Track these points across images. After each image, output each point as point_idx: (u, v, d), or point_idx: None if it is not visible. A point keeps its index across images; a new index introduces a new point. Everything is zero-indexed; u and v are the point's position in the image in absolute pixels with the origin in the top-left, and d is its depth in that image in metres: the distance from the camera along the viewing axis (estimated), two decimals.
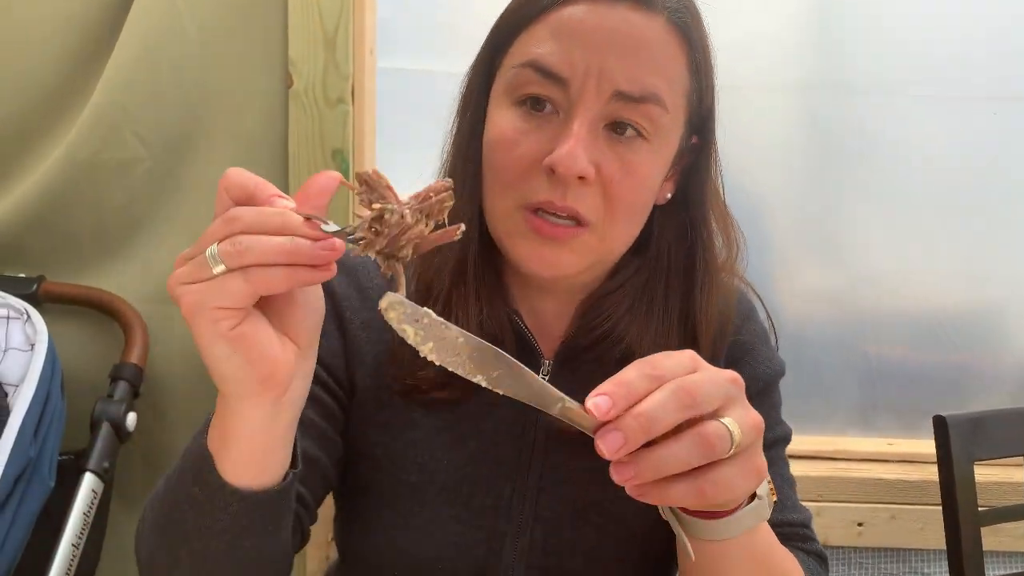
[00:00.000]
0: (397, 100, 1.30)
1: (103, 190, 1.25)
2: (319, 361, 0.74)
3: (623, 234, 0.69)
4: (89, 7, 1.20)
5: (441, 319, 0.49)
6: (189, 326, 0.48)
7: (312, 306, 0.53)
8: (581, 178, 0.64)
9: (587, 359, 0.73)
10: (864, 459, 1.39)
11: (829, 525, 1.32)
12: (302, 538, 0.73)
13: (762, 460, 0.51)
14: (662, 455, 0.47)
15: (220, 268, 0.46)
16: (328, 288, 0.77)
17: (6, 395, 1.05)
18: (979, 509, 1.11)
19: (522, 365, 0.50)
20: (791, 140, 1.41)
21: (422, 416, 0.73)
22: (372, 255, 0.49)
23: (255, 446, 0.53)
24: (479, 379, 0.49)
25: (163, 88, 1.23)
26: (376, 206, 0.47)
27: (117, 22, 1.21)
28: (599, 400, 0.47)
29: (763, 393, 0.78)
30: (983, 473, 1.14)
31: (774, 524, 0.74)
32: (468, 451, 0.73)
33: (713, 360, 0.70)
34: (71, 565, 1.04)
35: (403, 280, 0.50)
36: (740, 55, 1.35)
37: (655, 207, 0.72)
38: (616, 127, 0.66)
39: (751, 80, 1.37)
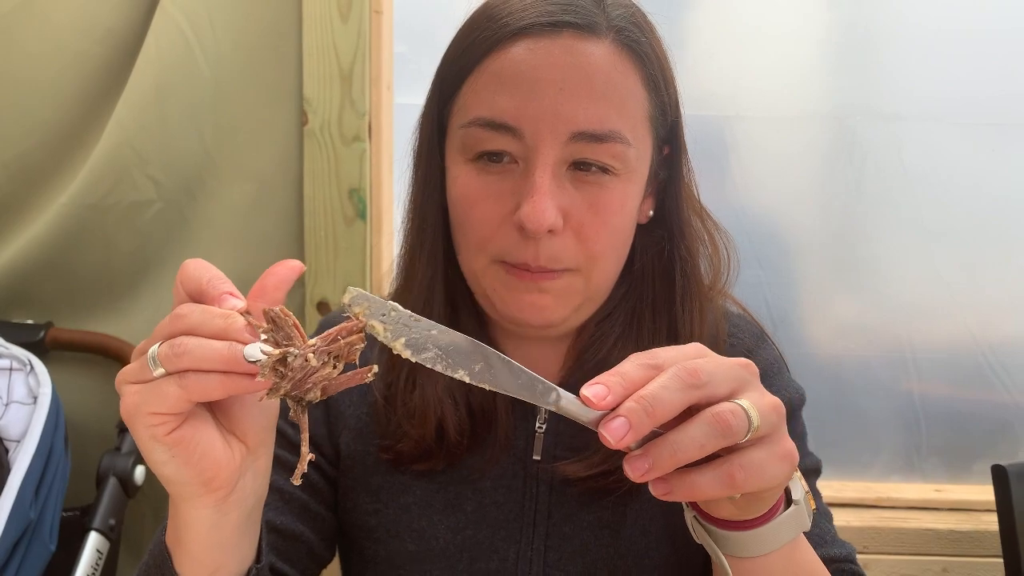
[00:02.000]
0: None
1: (113, 233, 1.21)
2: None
3: (607, 272, 0.66)
4: (100, 46, 1.18)
5: (409, 311, 0.47)
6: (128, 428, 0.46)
7: (262, 406, 0.51)
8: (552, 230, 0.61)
9: None
10: (911, 507, 1.31)
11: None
12: None
13: (790, 444, 0.48)
14: (675, 438, 0.44)
15: (159, 371, 0.44)
16: None
17: (7, 451, 1.00)
18: None
19: (506, 356, 0.46)
20: (825, 170, 1.36)
21: (414, 479, 0.69)
22: (277, 398, 0.46)
23: (205, 545, 0.51)
24: (461, 375, 0.46)
25: (175, 128, 1.20)
26: (278, 350, 0.45)
27: (129, 61, 1.18)
28: (595, 388, 0.45)
29: (787, 422, 0.71)
30: None
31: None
32: (466, 513, 0.68)
33: None
34: None
35: (307, 428, 0.48)
36: (770, 84, 1.31)
37: (637, 227, 0.68)
38: (580, 165, 0.62)
39: (782, 109, 1.32)
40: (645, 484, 0.65)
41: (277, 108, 1.21)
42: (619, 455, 0.64)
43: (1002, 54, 1.30)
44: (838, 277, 1.40)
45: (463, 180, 0.64)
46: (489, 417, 0.68)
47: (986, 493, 1.07)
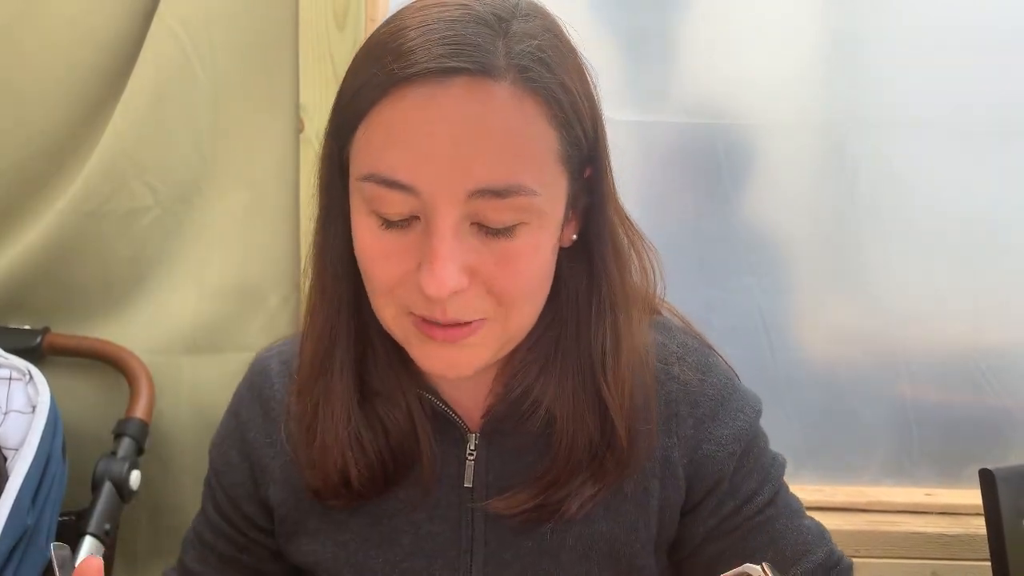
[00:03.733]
0: None
1: (110, 240, 1.22)
2: (225, 497, 0.74)
3: (526, 314, 0.63)
4: (97, 54, 1.18)
5: None
6: None
7: None
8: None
9: (512, 429, 0.68)
10: (902, 511, 1.32)
11: None
12: None
13: None
14: None
15: None
16: (233, 409, 0.75)
17: (5, 459, 1.00)
18: None
19: None
20: (816, 177, 1.37)
21: (348, 516, 0.69)
22: None
23: None
24: None
25: (172, 135, 1.20)
26: None
27: (125, 70, 1.18)
28: None
29: (749, 448, 0.71)
30: None
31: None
32: (403, 546, 0.69)
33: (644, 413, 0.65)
34: None
35: None
36: (761, 92, 1.32)
37: (561, 250, 0.64)
38: (485, 222, 0.58)
39: (773, 118, 1.33)
40: (583, 510, 0.66)
41: (273, 115, 1.22)
42: (548, 491, 0.65)
43: (994, 63, 1.31)
44: (830, 284, 1.41)
45: (365, 233, 0.60)
46: (412, 451, 0.68)
47: (976, 497, 1.08)
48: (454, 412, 0.69)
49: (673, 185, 1.35)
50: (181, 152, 1.21)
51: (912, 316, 1.37)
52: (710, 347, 0.74)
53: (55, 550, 0.50)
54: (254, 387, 0.74)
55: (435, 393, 0.69)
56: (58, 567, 0.48)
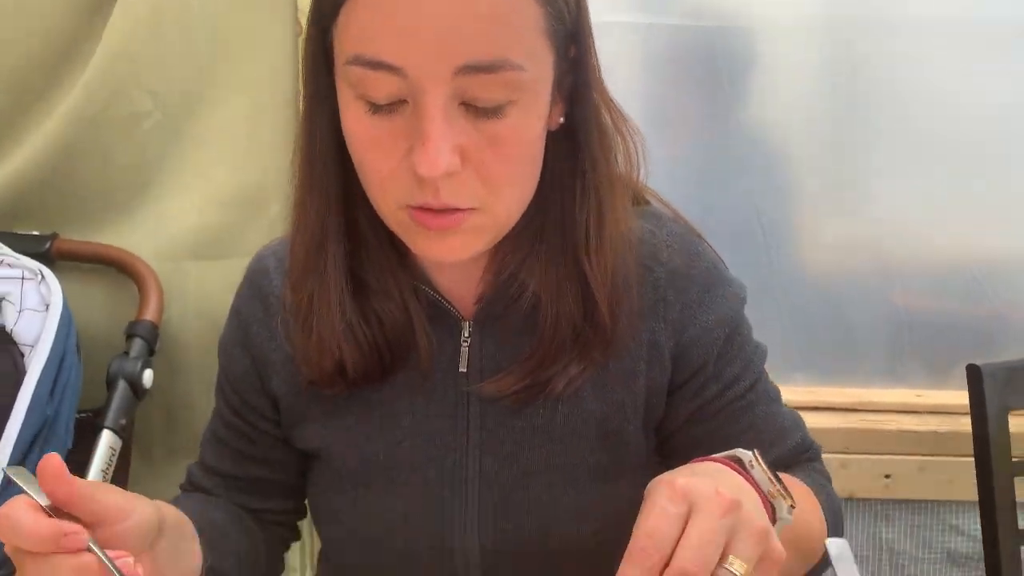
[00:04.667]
0: None
1: (111, 145, 1.23)
2: (233, 391, 0.77)
3: (516, 200, 0.64)
4: None
5: None
6: None
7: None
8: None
9: (503, 315, 0.70)
10: (892, 411, 1.36)
11: (856, 477, 1.30)
12: (287, 541, 0.82)
13: (779, 549, 0.50)
14: None
15: None
16: (235, 307, 0.77)
17: (22, 356, 1.04)
18: (1013, 460, 1.08)
19: None
20: (818, 81, 1.36)
21: (348, 402, 0.72)
22: None
23: None
24: None
25: (170, 40, 1.20)
26: None
27: None
28: None
29: (733, 334, 0.73)
30: (1018, 423, 1.11)
31: (773, 460, 0.70)
32: (403, 429, 0.71)
33: (624, 294, 0.67)
34: None
35: None
36: None
37: (548, 133, 0.65)
38: (473, 102, 0.58)
39: (776, 21, 1.32)
40: (577, 390, 0.69)
41: (273, 19, 1.21)
42: (536, 372, 0.68)
43: None
44: (829, 189, 1.41)
45: (353, 118, 0.60)
46: (407, 341, 0.70)
47: (964, 397, 1.11)
48: (448, 302, 0.71)
49: (672, 88, 1.35)
50: (180, 58, 1.21)
51: (910, 223, 1.39)
52: (698, 235, 0.75)
53: (15, 475, 0.53)
54: (253, 284, 0.76)
55: (429, 284, 0.70)
56: (25, 485, 0.51)
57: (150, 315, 1.19)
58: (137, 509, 0.55)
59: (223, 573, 0.71)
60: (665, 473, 0.52)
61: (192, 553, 0.66)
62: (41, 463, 0.51)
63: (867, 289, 1.40)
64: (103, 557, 0.51)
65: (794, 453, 0.75)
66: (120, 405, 1.11)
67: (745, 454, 0.56)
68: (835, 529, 0.73)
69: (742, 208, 1.37)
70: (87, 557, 0.50)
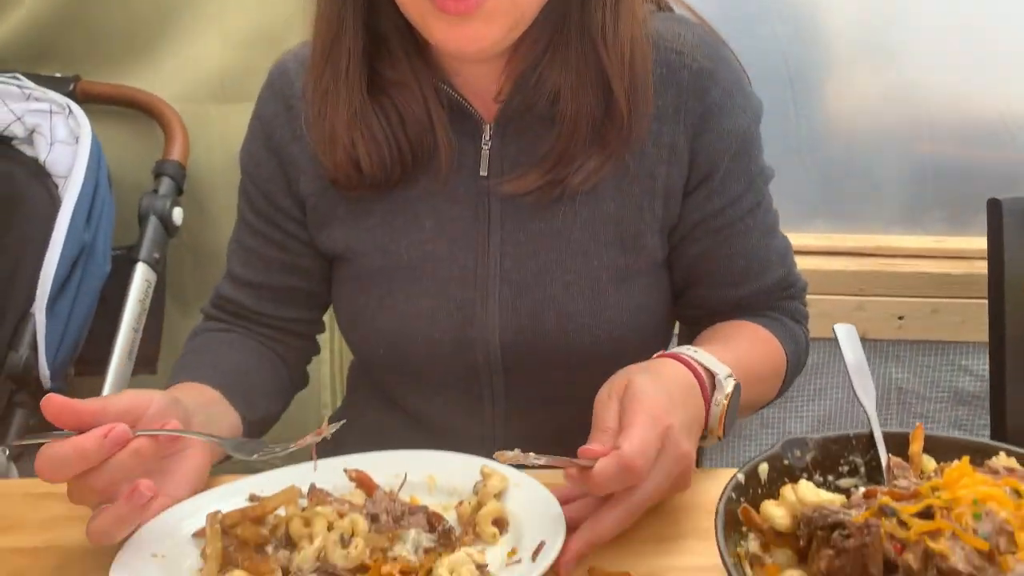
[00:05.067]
0: None
1: None
2: (261, 195, 0.77)
3: None
4: None
5: None
6: None
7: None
8: None
9: (523, 115, 0.71)
10: (910, 255, 1.37)
11: (869, 319, 1.33)
12: (308, 354, 0.85)
13: (686, 463, 0.57)
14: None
15: None
16: (257, 113, 0.78)
17: (56, 187, 1.07)
18: None
19: None
20: None
21: (372, 204, 0.74)
22: None
23: None
24: None
25: None
26: None
27: None
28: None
29: (744, 149, 0.74)
30: None
31: (751, 292, 0.76)
32: (425, 229, 0.74)
33: (641, 93, 0.68)
34: (133, 347, 1.09)
35: None
36: None
37: None
38: None
39: None
40: (597, 189, 0.71)
41: None
42: (555, 168, 0.69)
43: None
44: (859, 37, 1.38)
45: None
46: (428, 142, 0.71)
47: (982, 243, 1.11)
48: (468, 103, 0.72)
49: None
50: None
51: (938, 74, 1.36)
52: (724, 42, 0.75)
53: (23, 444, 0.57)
54: (274, 87, 0.77)
55: (450, 84, 0.71)
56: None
57: (176, 155, 1.21)
58: (154, 398, 0.58)
59: (261, 418, 0.75)
60: (654, 386, 0.57)
61: (227, 415, 0.70)
62: (43, 404, 0.53)
63: (893, 138, 1.39)
64: (151, 433, 0.53)
65: (777, 288, 0.78)
66: (152, 240, 1.15)
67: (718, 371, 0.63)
68: (796, 367, 0.79)
69: (769, 51, 1.34)
70: (137, 441, 0.53)
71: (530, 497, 0.58)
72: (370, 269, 0.75)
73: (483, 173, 0.72)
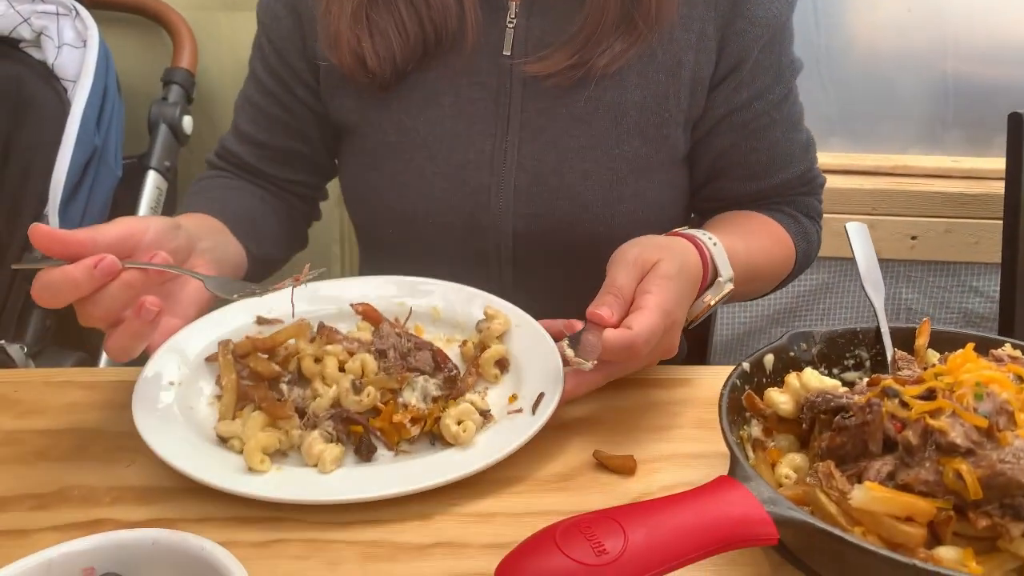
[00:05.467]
0: None
1: None
2: (274, 52, 0.76)
3: None
4: None
5: None
6: None
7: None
8: None
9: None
10: (925, 175, 1.36)
11: (882, 238, 1.32)
12: (309, 218, 0.84)
13: (670, 344, 0.59)
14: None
15: None
16: None
17: (66, 91, 1.06)
18: None
19: None
20: None
21: (392, 77, 0.72)
22: None
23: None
24: None
25: None
26: None
27: None
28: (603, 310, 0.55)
29: (775, 39, 0.72)
30: None
31: (771, 186, 0.76)
32: (443, 108, 0.72)
33: None
34: None
35: None
36: None
37: None
38: None
39: None
40: (622, 75, 0.69)
41: None
42: (582, 49, 0.68)
43: None
44: None
45: None
46: (452, 23, 0.69)
47: (1001, 163, 1.09)
48: None
49: None
50: None
51: None
52: None
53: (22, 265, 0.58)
54: None
55: None
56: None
57: (185, 63, 1.20)
58: (151, 225, 0.57)
59: (264, 255, 0.76)
60: (666, 261, 0.58)
61: (233, 244, 0.71)
62: (30, 232, 0.52)
63: (915, 56, 1.36)
64: (140, 266, 0.53)
65: (797, 182, 0.77)
66: (163, 147, 1.15)
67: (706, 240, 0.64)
68: (803, 265, 0.79)
69: None
70: (127, 274, 0.52)
71: (531, 341, 0.60)
72: (383, 144, 0.74)
73: (506, 53, 0.71)
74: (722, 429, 0.47)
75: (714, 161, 0.76)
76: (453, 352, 0.61)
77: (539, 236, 0.73)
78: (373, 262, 0.84)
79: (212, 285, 0.57)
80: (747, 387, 0.52)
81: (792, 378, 0.51)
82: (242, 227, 0.73)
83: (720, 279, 0.63)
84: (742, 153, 0.75)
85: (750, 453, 0.50)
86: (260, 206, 0.79)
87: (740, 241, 0.67)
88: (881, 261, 1.35)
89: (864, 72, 1.38)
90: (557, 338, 0.59)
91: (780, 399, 0.50)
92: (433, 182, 0.73)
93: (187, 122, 1.18)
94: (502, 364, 0.60)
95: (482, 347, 0.60)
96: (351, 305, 0.62)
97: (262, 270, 0.77)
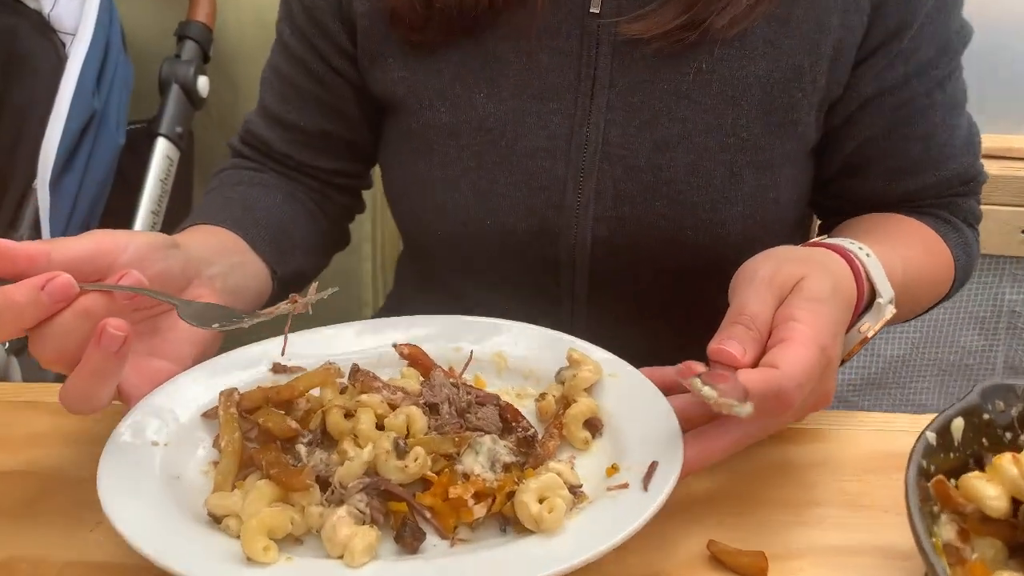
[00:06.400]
0: None
1: None
2: (304, 12, 0.62)
3: None
4: None
5: None
6: None
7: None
8: None
9: None
10: None
11: (987, 231, 1.14)
12: (351, 211, 0.71)
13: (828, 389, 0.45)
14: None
15: None
16: None
17: (64, 45, 0.93)
18: None
19: None
20: None
21: (445, 38, 0.58)
22: None
23: None
24: None
25: None
26: None
27: None
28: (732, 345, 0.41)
29: (943, 3, 0.58)
30: None
31: (923, 186, 0.61)
32: (509, 80, 0.58)
33: None
34: (154, 231, 0.97)
35: None
36: None
37: None
38: None
39: None
40: (745, 40, 0.55)
41: None
42: (703, 4, 0.53)
43: None
44: None
45: None
46: None
47: None
48: None
49: None
50: None
51: None
52: None
53: None
54: None
55: None
56: None
57: (201, 15, 1.07)
58: (132, 241, 0.45)
59: (293, 274, 0.62)
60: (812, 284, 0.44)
61: (252, 265, 0.58)
62: None
63: None
64: (100, 288, 0.41)
65: (956, 180, 0.62)
66: (175, 112, 1.02)
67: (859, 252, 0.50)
68: (960, 284, 0.64)
69: None
70: (86, 298, 0.40)
71: (632, 394, 0.45)
72: (433, 126, 0.59)
73: (594, 10, 0.56)
74: (918, 542, 0.33)
75: (852, 153, 0.60)
76: (527, 409, 0.47)
77: (625, 244, 0.58)
78: (414, 272, 0.70)
79: (186, 313, 0.44)
80: (932, 467, 0.38)
81: (1006, 462, 0.36)
82: (268, 240, 0.60)
83: (879, 300, 0.49)
84: (891, 144, 0.59)
85: (944, 568, 0.36)
86: (292, 208, 0.65)
87: (893, 253, 0.52)
88: (984, 256, 1.20)
89: (986, 42, 1.21)
90: (666, 391, 0.45)
91: (988, 492, 0.36)
92: (493, 176, 0.58)
93: (202, 83, 1.05)
94: (593, 425, 0.45)
95: (566, 403, 0.46)
96: (394, 346, 0.49)
97: (290, 289, 0.64)
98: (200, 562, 0.36)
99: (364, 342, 0.51)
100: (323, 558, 0.38)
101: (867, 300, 0.49)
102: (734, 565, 0.40)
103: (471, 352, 0.50)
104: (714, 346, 0.41)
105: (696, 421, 0.43)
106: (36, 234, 0.86)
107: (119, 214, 1.00)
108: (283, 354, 0.48)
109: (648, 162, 0.57)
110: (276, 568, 0.37)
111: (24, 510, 0.45)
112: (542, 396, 0.47)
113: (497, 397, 0.46)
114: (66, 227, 0.88)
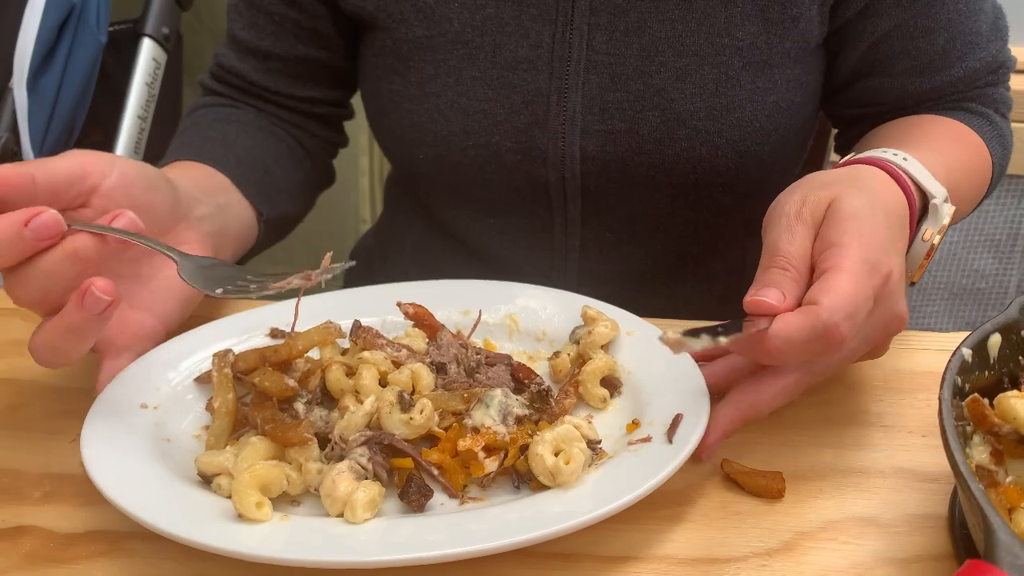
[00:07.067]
0: None
1: None
2: None
3: None
4: None
5: None
6: None
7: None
8: None
9: None
10: None
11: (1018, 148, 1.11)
12: (335, 145, 0.67)
13: (900, 317, 0.41)
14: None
15: None
16: None
17: None
18: None
19: None
20: None
21: None
22: None
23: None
24: None
25: None
26: None
27: None
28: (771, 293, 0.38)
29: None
30: None
31: (949, 80, 0.57)
32: None
33: None
34: (140, 138, 0.93)
35: None
36: None
37: None
38: None
39: None
40: None
41: None
42: None
43: None
44: None
45: None
46: None
47: None
48: None
49: None
50: None
51: None
52: None
53: None
54: None
55: None
56: None
57: None
58: (117, 165, 0.41)
59: (280, 217, 0.59)
60: (852, 203, 0.39)
61: (240, 206, 0.54)
62: None
63: None
64: (92, 230, 0.37)
65: (984, 70, 0.58)
66: (160, 10, 0.96)
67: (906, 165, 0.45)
68: (998, 177, 0.60)
69: None
70: (76, 238, 0.37)
71: (653, 351, 0.42)
72: (408, 41, 0.55)
73: None
74: (952, 463, 0.31)
75: (867, 51, 0.56)
76: (541, 371, 0.44)
77: (617, 159, 0.55)
78: (402, 197, 0.67)
79: (187, 272, 0.39)
80: (967, 385, 0.35)
81: None
82: (252, 179, 0.56)
83: (934, 201, 0.45)
84: (910, 37, 0.55)
85: (980, 490, 0.33)
86: (273, 145, 0.61)
87: (932, 155, 0.48)
88: (1010, 178, 1.15)
89: None
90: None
91: None
92: (473, 91, 0.54)
93: None
94: (612, 383, 0.42)
95: (581, 361, 0.43)
96: (398, 305, 0.45)
97: (275, 237, 0.60)
98: (188, 521, 0.34)
99: (363, 308, 0.47)
100: (322, 516, 0.35)
101: (919, 206, 0.45)
102: (750, 486, 0.38)
103: (479, 312, 0.47)
104: (750, 298, 0.37)
105: (737, 381, 0.40)
106: (14, 136, 0.81)
107: (105, 122, 0.96)
108: (292, 330, 0.44)
109: (636, 69, 0.53)
110: (271, 527, 0.34)
111: (1, 419, 0.44)
112: (556, 354, 0.44)
113: (509, 357, 0.43)
114: (46, 130, 0.84)
